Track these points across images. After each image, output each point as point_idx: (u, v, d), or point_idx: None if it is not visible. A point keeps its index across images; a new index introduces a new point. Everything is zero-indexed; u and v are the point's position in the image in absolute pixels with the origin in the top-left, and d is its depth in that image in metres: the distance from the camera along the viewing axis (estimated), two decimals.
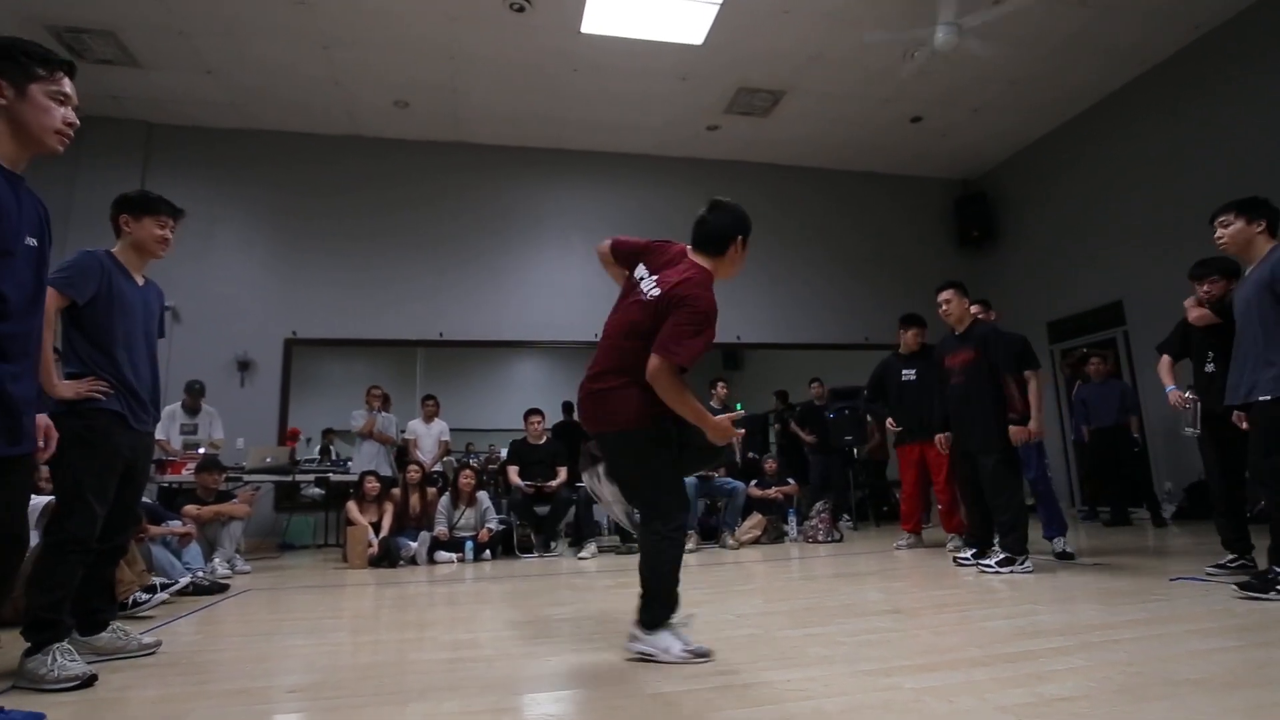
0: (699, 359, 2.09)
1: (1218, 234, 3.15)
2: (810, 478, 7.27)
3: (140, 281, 2.51)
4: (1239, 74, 6.34)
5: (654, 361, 2.04)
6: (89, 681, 2.00)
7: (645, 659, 2.08)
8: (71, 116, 1.83)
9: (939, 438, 4.38)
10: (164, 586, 3.37)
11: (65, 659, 2.03)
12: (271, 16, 6.00)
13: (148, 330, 2.51)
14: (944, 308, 4.18)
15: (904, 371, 5.22)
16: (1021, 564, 3.71)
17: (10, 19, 5.91)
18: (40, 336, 1.86)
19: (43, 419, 1.93)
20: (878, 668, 1.95)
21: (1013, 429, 3.84)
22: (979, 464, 3.96)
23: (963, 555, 4.14)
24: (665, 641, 2.08)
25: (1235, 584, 2.94)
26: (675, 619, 2.14)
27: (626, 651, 2.14)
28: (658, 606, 2.11)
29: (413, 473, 5.78)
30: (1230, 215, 3.10)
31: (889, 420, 5.35)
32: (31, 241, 1.75)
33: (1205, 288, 3.68)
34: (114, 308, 2.34)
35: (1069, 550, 4.10)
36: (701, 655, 2.07)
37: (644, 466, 2.18)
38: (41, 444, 1.91)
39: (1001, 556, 3.75)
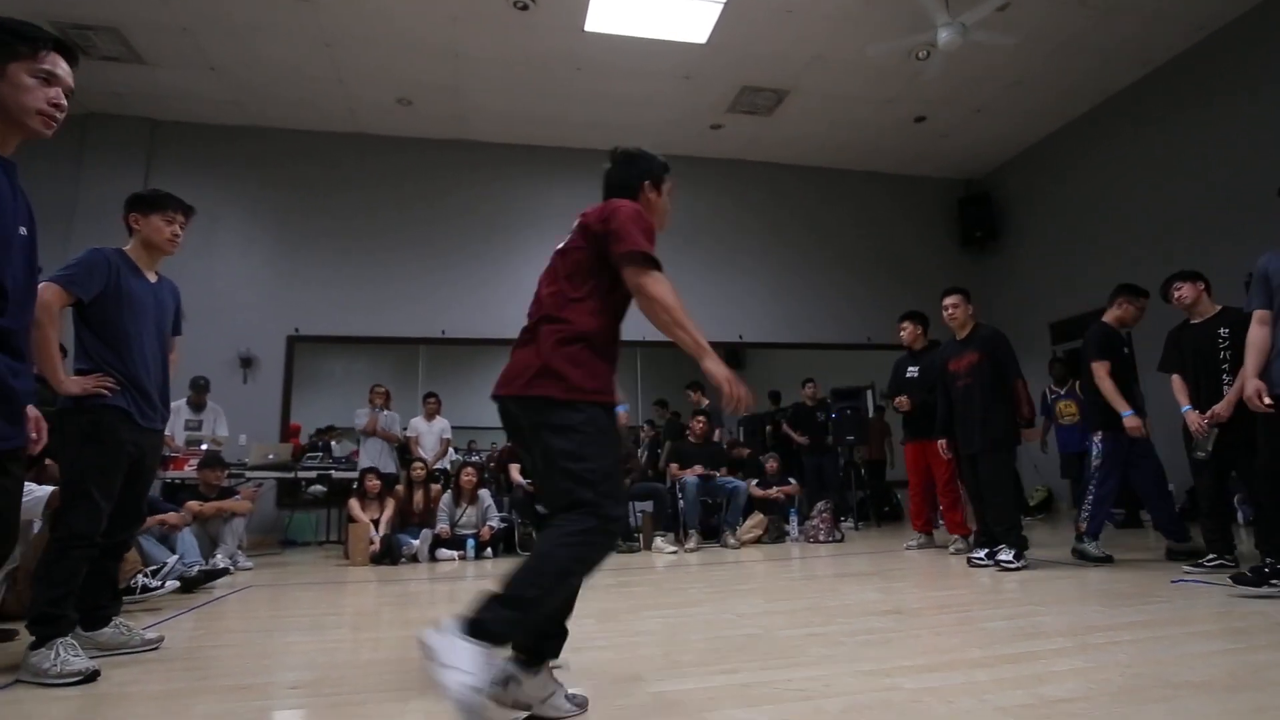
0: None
1: None
2: (805, 478, 7.26)
3: (153, 278, 2.51)
4: (1243, 75, 6.31)
5: (629, 272, 1.60)
6: (91, 676, 2.01)
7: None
8: (58, 98, 1.69)
9: (940, 443, 4.41)
10: (155, 573, 3.39)
11: (68, 654, 2.04)
12: (275, 14, 6.01)
13: (160, 327, 2.50)
14: (949, 312, 4.24)
15: (909, 368, 5.24)
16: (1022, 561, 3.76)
17: (16, 14, 5.90)
18: (29, 332, 1.78)
19: (31, 410, 1.88)
20: (878, 668, 1.95)
21: (1025, 431, 3.93)
22: (979, 466, 3.99)
23: (977, 555, 4.11)
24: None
25: (1230, 578, 2.95)
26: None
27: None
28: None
29: (417, 469, 5.79)
30: None
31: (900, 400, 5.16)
32: (24, 231, 1.69)
33: (1177, 296, 3.75)
34: (122, 305, 2.35)
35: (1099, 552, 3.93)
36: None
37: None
38: (35, 436, 1.90)
39: (1014, 553, 3.77)
